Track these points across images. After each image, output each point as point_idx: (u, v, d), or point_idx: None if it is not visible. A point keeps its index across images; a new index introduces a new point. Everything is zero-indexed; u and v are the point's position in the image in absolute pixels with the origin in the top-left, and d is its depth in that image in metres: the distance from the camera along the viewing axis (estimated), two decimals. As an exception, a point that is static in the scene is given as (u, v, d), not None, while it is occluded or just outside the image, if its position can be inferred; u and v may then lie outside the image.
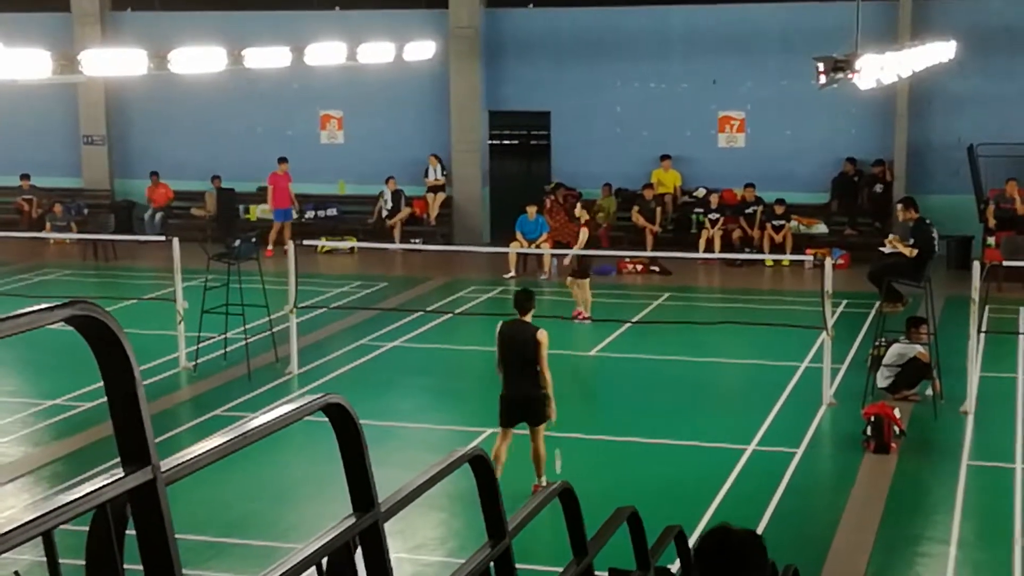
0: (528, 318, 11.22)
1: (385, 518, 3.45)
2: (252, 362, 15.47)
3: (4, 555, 2.22)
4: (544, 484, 10.90)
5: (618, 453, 12.87)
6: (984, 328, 14.89)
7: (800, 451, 12.68)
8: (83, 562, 2.58)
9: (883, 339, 14.59)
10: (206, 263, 15.58)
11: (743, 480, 11.84)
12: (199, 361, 15.75)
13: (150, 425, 2.53)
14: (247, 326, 15.50)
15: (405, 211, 25.09)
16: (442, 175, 25.52)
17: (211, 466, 2.83)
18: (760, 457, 12.50)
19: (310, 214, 25.86)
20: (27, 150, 27.37)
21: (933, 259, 15.37)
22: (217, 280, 15.54)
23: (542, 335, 10.98)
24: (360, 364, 16.28)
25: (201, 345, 15.64)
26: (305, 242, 17.67)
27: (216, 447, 2.82)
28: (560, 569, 4.98)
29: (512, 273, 22.22)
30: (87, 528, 2.56)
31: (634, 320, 18.13)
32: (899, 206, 16.23)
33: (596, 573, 5.17)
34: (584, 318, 18.03)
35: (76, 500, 2.36)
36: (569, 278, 18.95)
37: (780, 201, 23.43)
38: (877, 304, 15.79)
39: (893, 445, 12.54)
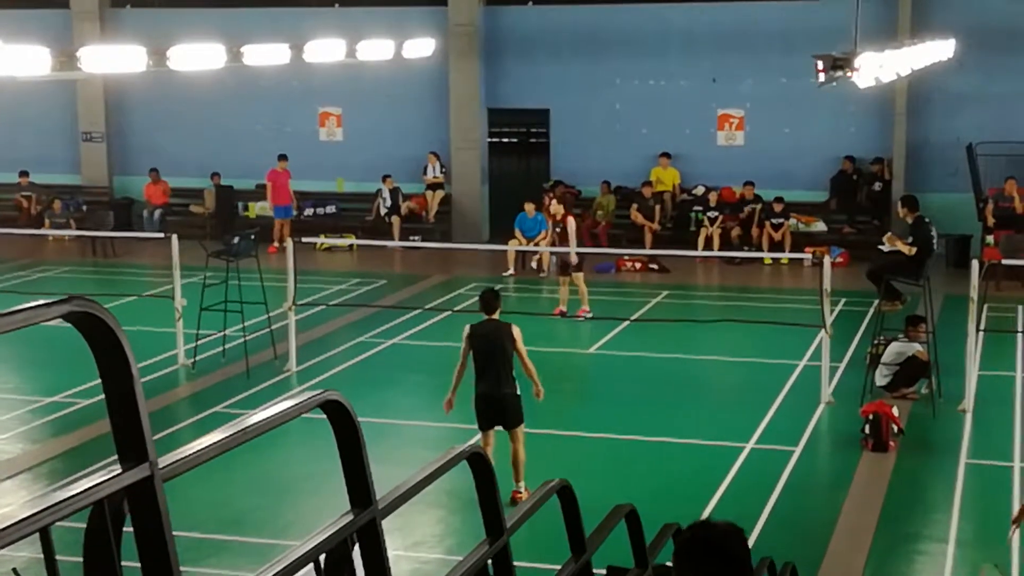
0: (496, 316, 11.25)
1: (383, 515, 3.45)
2: (251, 359, 15.48)
3: (2, 552, 2.22)
4: (523, 490, 10.88)
5: (616, 451, 12.88)
6: (983, 327, 14.91)
7: (798, 449, 12.69)
8: (80, 559, 2.58)
9: (882, 337, 14.59)
10: (205, 260, 15.57)
11: (741, 478, 11.84)
12: (197, 358, 15.74)
13: (148, 422, 2.53)
14: (246, 323, 15.50)
15: (410, 204, 25.10)
16: (441, 172, 25.51)
17: (209, 463, 2.83)
18: (758, 455, 12.50)
19: (309, 211, 25.85)
20: (26, 147, 27.35)
21: (932, 257, 15.35)
22: (216, 277, 15.52)
23: (516, 331, 11.09)
24: (359, 361, 16.27)
25: (200, 342, 15.63)
26: (304, 239, 17.65)
27: (214, 444, 2.82)
28: (558, 567, 4.99)
29: (511, 271, 22.20)
30: (84, 525, 2.55)
31: (633, 318, 18.12)
32: (900, 205, 16.20)
33: (594, 571, 5.17)
34: (582, 312, 18.06)
35: (73, 496, 2.36)
36: (562, 276, 18.90)
37: (779, 199, 23.43)
38: (876, 302, 15.77)
39: (891, 443, 12.54)
